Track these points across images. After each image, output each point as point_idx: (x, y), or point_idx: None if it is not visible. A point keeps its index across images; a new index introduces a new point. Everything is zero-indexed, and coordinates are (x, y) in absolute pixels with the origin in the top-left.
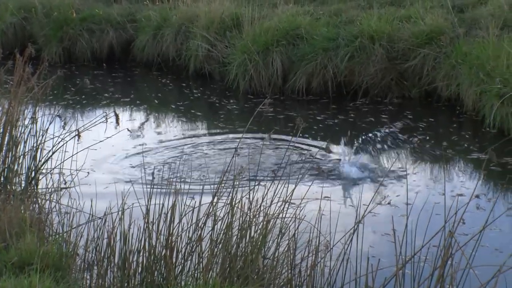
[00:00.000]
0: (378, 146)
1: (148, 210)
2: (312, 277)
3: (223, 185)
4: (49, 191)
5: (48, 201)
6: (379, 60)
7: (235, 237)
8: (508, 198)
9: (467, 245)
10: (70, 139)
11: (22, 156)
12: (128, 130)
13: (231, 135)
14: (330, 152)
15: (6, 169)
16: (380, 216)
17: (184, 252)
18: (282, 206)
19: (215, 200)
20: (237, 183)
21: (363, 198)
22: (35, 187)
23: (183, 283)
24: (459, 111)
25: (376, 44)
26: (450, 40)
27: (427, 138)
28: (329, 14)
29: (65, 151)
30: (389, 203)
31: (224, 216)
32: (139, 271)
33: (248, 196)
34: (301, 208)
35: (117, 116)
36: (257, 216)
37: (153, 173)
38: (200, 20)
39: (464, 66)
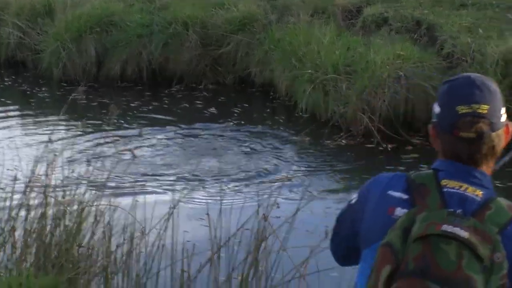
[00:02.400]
0: None
1: None
2: (128, 264)
3: (36, 174)
4: None
5: None
6: (193, 46)
7: (49, 226)
8: (321, 180)
9: (280, 228)
10: None
11: None
12: None
13: (43, 123)
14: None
15: None
16: (195, 202)
17: None
18: (97, 194)
19: (28, 189)
20: (52, 171)
21: (175, 184)
22: None
23: None
24: (272, 96)
25: (190, 31)
26: (263, 27)
27: (242, 122)
28: (142, 0)
29: None
30: (203, 188)
31: (37, 205)
32: None
33: (62, 185)
34: (116, 195)
35: None
36: (71, 204)
37: None
38: (11, 7)
39: (276, 52)
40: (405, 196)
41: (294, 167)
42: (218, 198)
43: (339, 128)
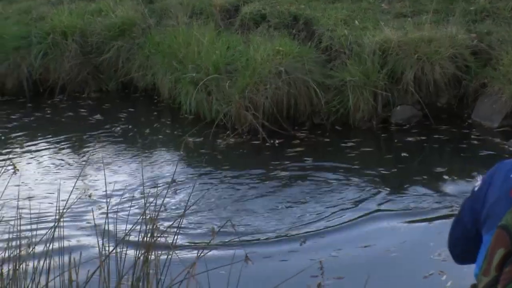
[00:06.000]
0: None
1: None
2: (15, 280)
3: None
4: None
5: None
6: (73, 55)
7: None
8: (209, 180)
9: (168, 230)
10: None
11: None
12: None
13: None
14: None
15: None
16: (81, 210)
17: None
18: None
19: None
20: None
21: (63, 194)
22: None
23: None
24: (157, 100)
25: (69, 40)
26: (142, 31)
27: (130, 127)
28: (18, 12)
29: None
30: (89, 196)
31: None
32: None
33: None
34: None
35: None
36: None
37: None
38: None
39: (157, 56)
40: None
41: (183, 168)
42: (104, 204)
43: (225, 127)
